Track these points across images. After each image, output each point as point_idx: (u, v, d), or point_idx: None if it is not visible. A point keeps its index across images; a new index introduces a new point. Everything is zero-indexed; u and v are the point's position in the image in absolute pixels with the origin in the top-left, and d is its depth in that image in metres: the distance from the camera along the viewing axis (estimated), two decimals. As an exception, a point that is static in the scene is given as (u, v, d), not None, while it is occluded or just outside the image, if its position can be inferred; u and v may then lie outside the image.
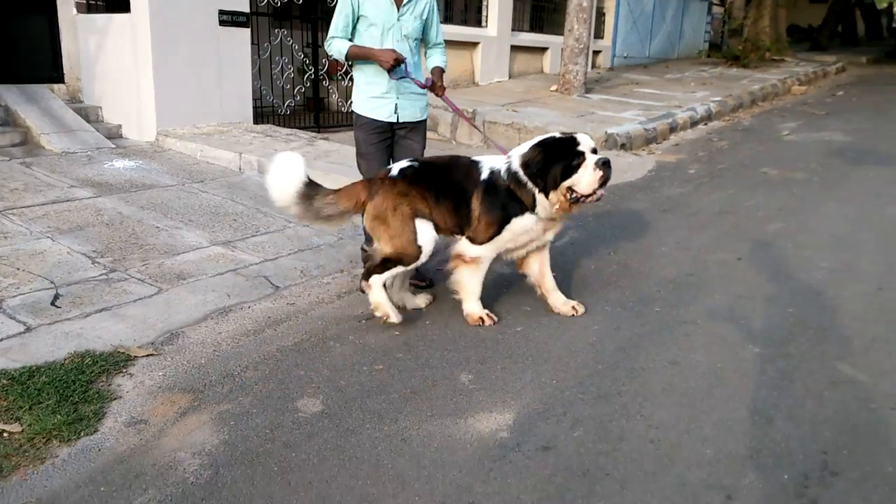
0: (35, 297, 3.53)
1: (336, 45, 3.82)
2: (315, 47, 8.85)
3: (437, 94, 3.99)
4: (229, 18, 7.50)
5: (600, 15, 14.56)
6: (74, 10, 7.47)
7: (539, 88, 11.13)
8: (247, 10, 7.69)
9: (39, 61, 7.44)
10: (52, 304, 3.48)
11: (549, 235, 3.51)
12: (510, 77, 12.17)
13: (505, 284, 3.98)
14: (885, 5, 32.08)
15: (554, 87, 10.97)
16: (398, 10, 3.81)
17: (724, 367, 2.99)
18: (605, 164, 3.19)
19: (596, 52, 14.76)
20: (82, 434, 2.54)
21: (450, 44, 10.55)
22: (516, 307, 3.70)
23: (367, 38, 3.83)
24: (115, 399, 2.78)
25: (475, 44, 11.26)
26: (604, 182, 3.21)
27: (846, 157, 7.33)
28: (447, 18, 11.88)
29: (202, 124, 7.44)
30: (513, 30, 12.21)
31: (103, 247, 4.28)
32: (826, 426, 2.54)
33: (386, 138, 3.99)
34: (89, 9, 7.49)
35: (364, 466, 2.36)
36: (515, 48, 12.28)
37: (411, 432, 2.55)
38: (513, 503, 2.16)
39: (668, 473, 2.29)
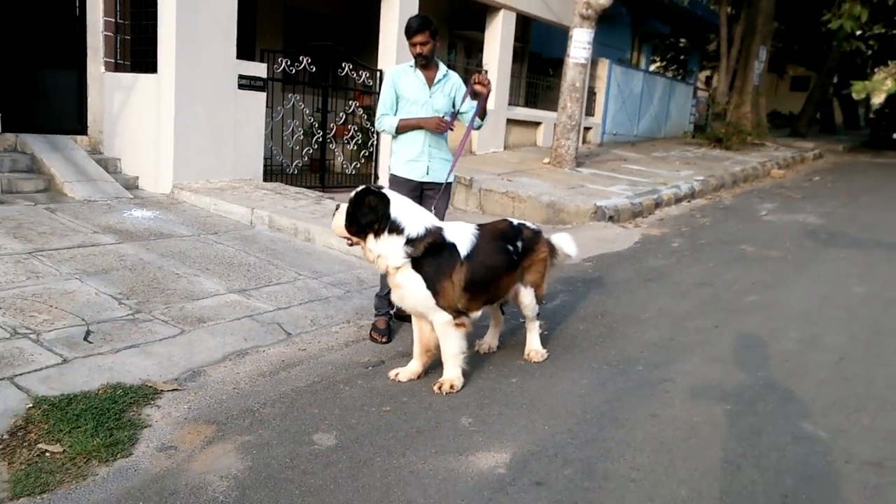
0: (69, 333, 3.82)
1: (387, 121, 4.38)
2: (324, 112, 9.39)
3: (481, 85, 4.14)
4: (248, 83, 8.02)
5: (591, 94, 15.35)
6: (103, 69, 7.96)
7: (532, 160, 11.70)
8: (264, 75, 8.23)
9: (66, 114, 7.90)
10: (85, 339, 3.77)
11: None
12: (505, 148, 12.77)
13: (501, 340, 4.29)
14: (862, 96, 33.74)
15: (546, 160, 11.54)
16: (430, 89, 4.34)
17: (699, 420, 3.31)
18: None
19: (587, 129, 15.49)
20: (118, 456, 2.80)
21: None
22: (512, 360, 4.02)
23: (405, 114, 4.38)
24: (146, 427, 3.05)
25: (474, 116, 11.86)
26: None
27: (819, 238, 7.82)
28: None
29: (215, 179, 7.84)
30: (509, 104, 12.90)
31: (128, 289, 4.59)
32: (788, 475, 2.85)
33: (415, 197, 4.42)
34: (117, 68, 7.99)
35: (376, 493, 2.64)
36: (511, 121, 12.94)
37: (418, 466, 2.83)
38: (509, 528, 2.44)
39: (646, 509, 2.58)
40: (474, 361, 3.96)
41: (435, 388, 3.56)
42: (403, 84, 4.36)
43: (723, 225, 8.60)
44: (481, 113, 4.35)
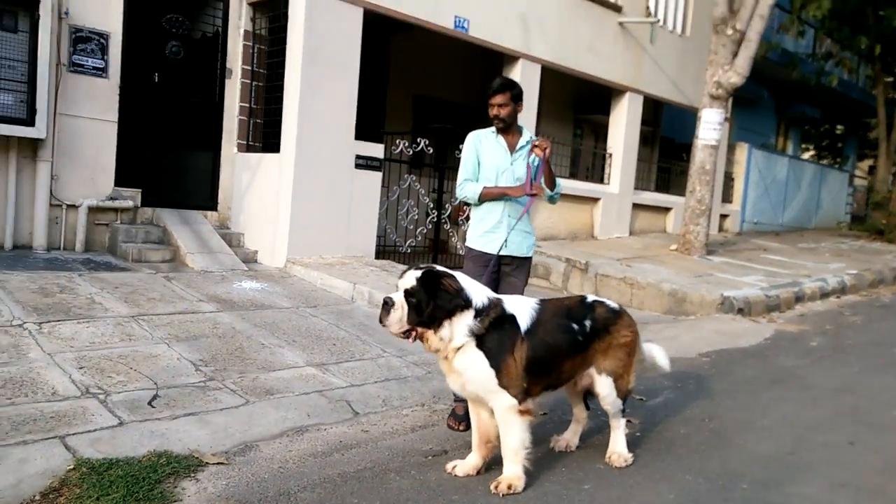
0: (136, 395, 3.83)
1: (470, 188, 4.17)
2: (440, 193, 9.44)
3: (539, 149, 3.98)
4: (364, 163, 8.25)
5: (729, 179, 14.51)
6: (235, 149, 8.53)
7: (658, 246, 11.05)
8: (381, 156, 8.44)
9: (199, 191, 8.49)
10: (149, 403, 3.75)
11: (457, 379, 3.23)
12: (630, 234, 12.20)
13: (584, 439, 3.80)
14: None
15: (674, 247, 10.85)
16: (511, 155, 4.13)
17: (810, 560, 2.65)
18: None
19: (724, 216, 14.57)
20: (135, 530, 2.64)
21: (571, 198, 10.86)
22: (590, 463, 3.52)
23: (485, 181, 4.18)
24: (175, 501, 2.89)
25: (596, 199, 11.51)
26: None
27: None
28: (572, 174, 12.34)
29: (328, 255, 8.00)
30: (636, 188, 12.41)
31: (210, 356, 4.61)
32: None
33: (493, 272, 4.17)
34: (248, 149, 8.53)
35: None
36: (638, 206, 12.41)
37: (447, 579, 2.44)
38: None
39: None
40: (547, 460, 3.51)
41: (492, 486, 3.15)
42: (485, 149, 4.19)
43: (877, 325, 7.51)
44: (550, 182, 4.09)
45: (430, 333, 3.11)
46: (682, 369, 5.35)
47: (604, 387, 3.43)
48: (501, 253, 4.17)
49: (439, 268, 3.19)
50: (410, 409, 4.23)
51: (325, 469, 3.31)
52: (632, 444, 3.74)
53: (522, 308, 3.29)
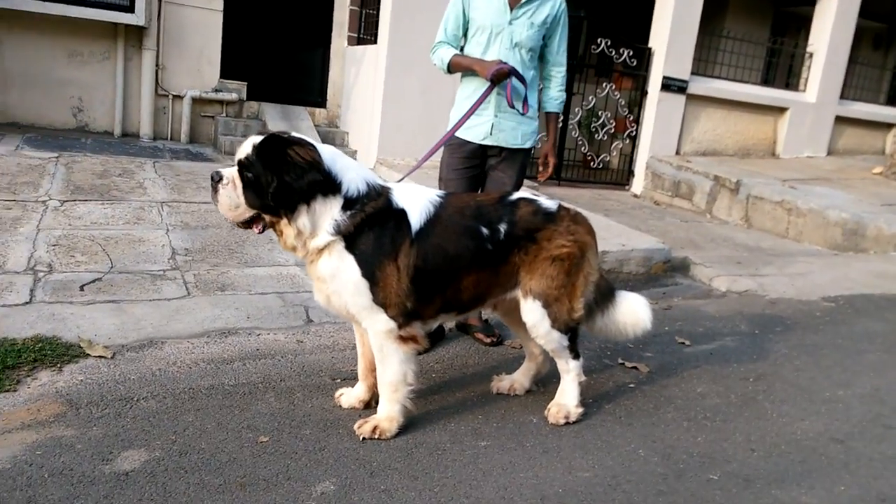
0: (76, 277, 3.61)
1: (440, 54, 3.32)
2: (569, 94, 8.25)
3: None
4: (470, 56, 7.35)
5: None
6: (346, 43, 8.08)
7: (857, 169, 8.83)
8: (491, 49, 7.46)
9: (309, 86, 8.23)
10: (81, 287, 3.50)
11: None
12: (829, 153, 9.89)
13: (543, 381, 2.89)
14: None
15: (878, 170, 8.59)
16: (511, 11, 3.20)
17: None
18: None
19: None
20: (-80, 419, 2.37)
21: (744, 105, 8.99)
22: (525, 413, 2.63)
23: (475, 46, 3.28)
24: (7, 391, 2.59)
25: (782, 109, 9.40)
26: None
27: None
28: (765, 81, 10.22)
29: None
30: (843, 97, 9.95)
31: (200, 247, 4.30)
32: None
33: (473, 166, 3.39)
34: (359, 42, 8.03)
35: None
36: (844, 120, 9.96)
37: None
38: None
39: None
40: (471, 405, 2.71)
41: (355, 427, 2.44)
42: (476, 2, 3.21)
43: None
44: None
45: (283, 224, 2.37)
46: (779, 314, 4.02)
47: (530, 314, 2.48)
48: (486, 143, 3.28)
49: (295, 134, 2.41)
50: (378, 324, 3.56)
51: (202, 379, 2.82)
52: (609, 396, 2.79)
53: (417, 201, 2.44)
